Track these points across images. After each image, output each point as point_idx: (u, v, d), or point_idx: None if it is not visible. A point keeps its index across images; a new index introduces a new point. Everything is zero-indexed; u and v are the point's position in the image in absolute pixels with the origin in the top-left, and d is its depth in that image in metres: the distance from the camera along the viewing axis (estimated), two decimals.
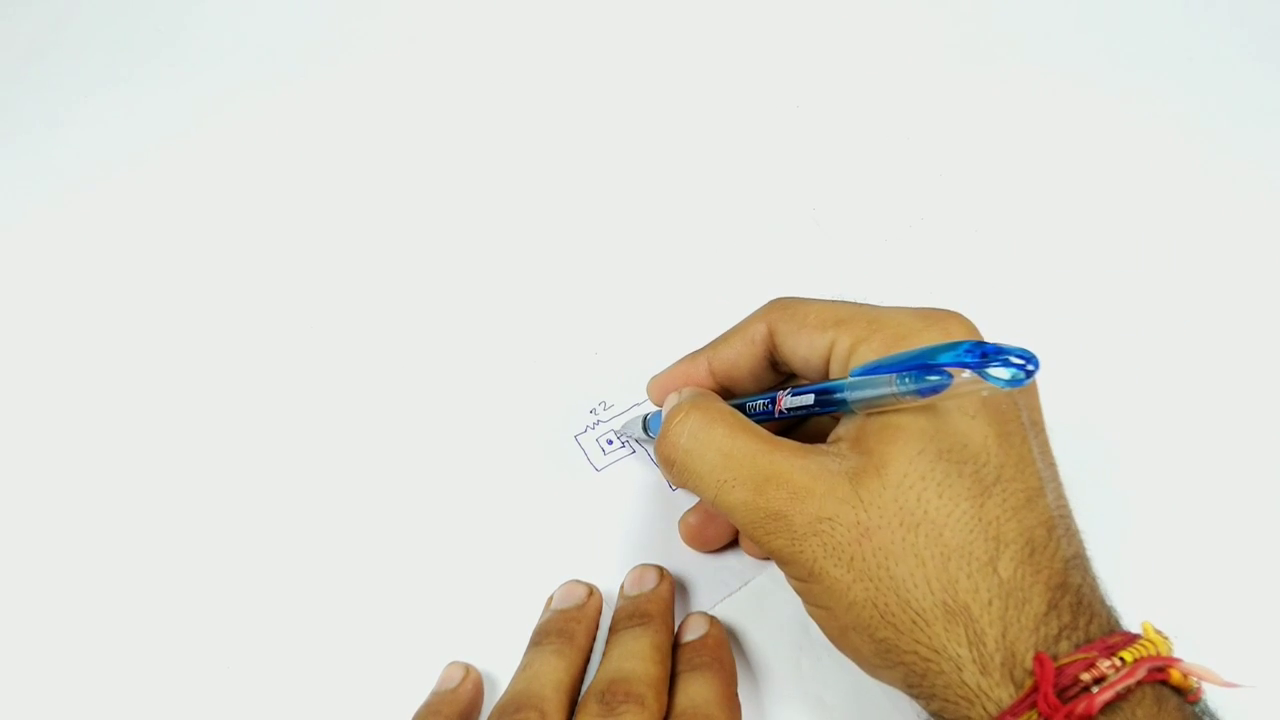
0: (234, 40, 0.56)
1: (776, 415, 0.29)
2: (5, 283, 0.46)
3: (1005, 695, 0.23)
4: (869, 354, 0.26)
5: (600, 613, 0.33)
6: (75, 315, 0.44)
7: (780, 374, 0.31)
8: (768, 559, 0.34)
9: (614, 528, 0.36)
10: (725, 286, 0.43)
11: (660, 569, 0.34)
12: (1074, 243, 0.44)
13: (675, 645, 0.32)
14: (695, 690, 0.29)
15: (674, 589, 0.33)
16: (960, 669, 0.23)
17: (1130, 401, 0.38)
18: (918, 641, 0.24)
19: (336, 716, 0.32)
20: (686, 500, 0.36)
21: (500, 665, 0.32)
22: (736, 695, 0.30)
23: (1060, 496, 0.26)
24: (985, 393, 0.22)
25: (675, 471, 0.29)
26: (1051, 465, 0.26)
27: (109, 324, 0.44)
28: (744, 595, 0.34)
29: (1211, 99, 0.49)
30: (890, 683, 0.26)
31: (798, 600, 0.33)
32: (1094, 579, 0.25)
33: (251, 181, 0.49)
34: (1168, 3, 0.54)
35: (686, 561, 0.35)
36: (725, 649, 0.32)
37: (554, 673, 0.30)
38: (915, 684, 0.24)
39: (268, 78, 0.54)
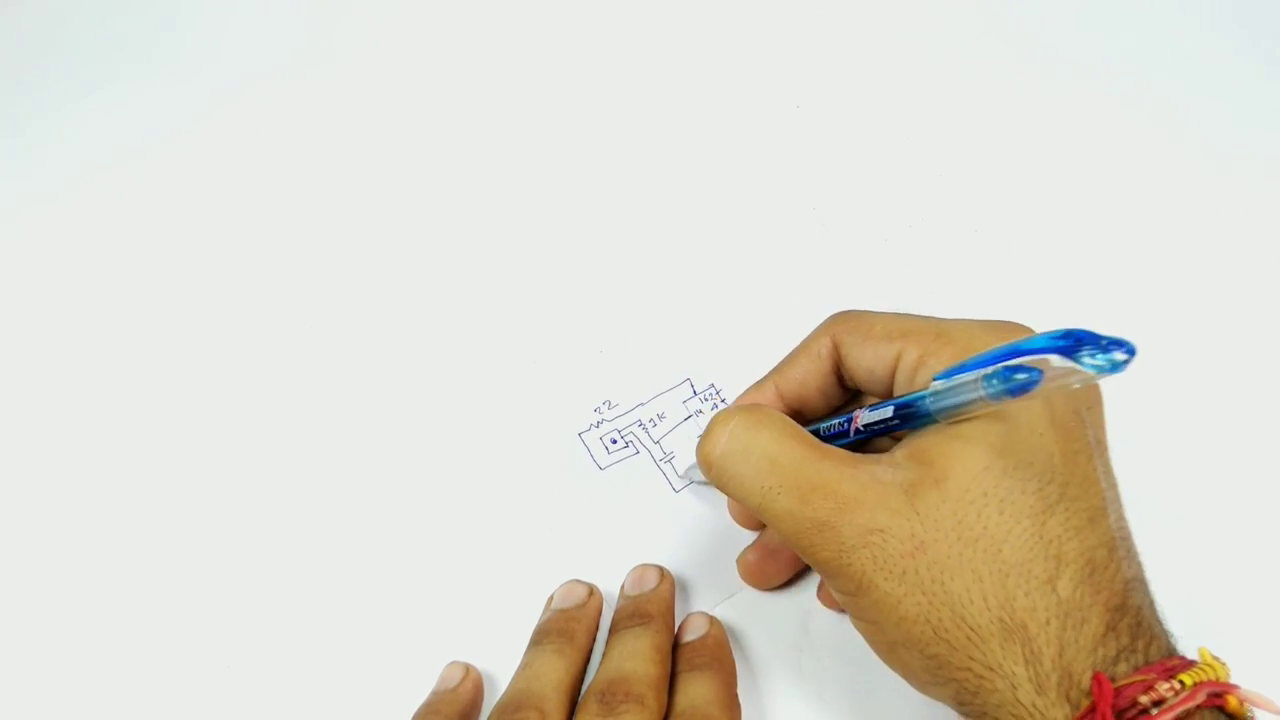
0: (233, 39, 0.56)
1: (853, 434, 0.28)
2: (3, 282, 0.46)
3: (1061, 715, 0.22)
4: (937, 367, 0.26)
5: (600, 613, 0.33)
6: (74, 314, 0.44)
7: (849, 390, 0.31)
8: (779, 586, 0.34)
9: (616, 527, 0.36)
10: (726, 286, 0.43)
11: (661, 569, 0.34)
12: (1074, 243, 0.44)
13: (675, 645, 0.32)
14: (695, 690, 0.29)
15: (674, 589, 0.33)
16: (1015, 687, 0.23)
17: (1132, 402, 0.38)
18: (971, 658, 0.23)
19: (337, 716, 0.32)
20: (690, 503, 0.36)
21: (500, 665, 0.32)
22: (736, 695, 0.30)
23: (1121, 518, 0.25)
24: (1078, 383, 0.21)
25: (715, 474, 0.28)
26: (1114, 486, 0.26)
27: (108, 323, 0.44)
28: (745, 595, 0.34)
29: (1212, 99, 0.49)
30: (940, 699, 0.25)
31: (798, 600, 0.33)
32: (1153, 602, 0.24)
33: (251, 180, 0.49)
34: (1168, 3, 0.53)
35: (687, 562, 0.35)
36: (725, 649, 0.31)
37: (554, 672, 0.30)
38: (967, 701, 0.24)
39: (267, 76, 0.54)
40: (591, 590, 0.33)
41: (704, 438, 0.28)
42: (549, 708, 0.28)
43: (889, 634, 0.25)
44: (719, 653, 0.31)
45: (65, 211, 0.48)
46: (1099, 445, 0.26)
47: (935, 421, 0.25)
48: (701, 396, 0.39)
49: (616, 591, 0.34)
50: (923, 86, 0.51)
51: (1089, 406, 0.26)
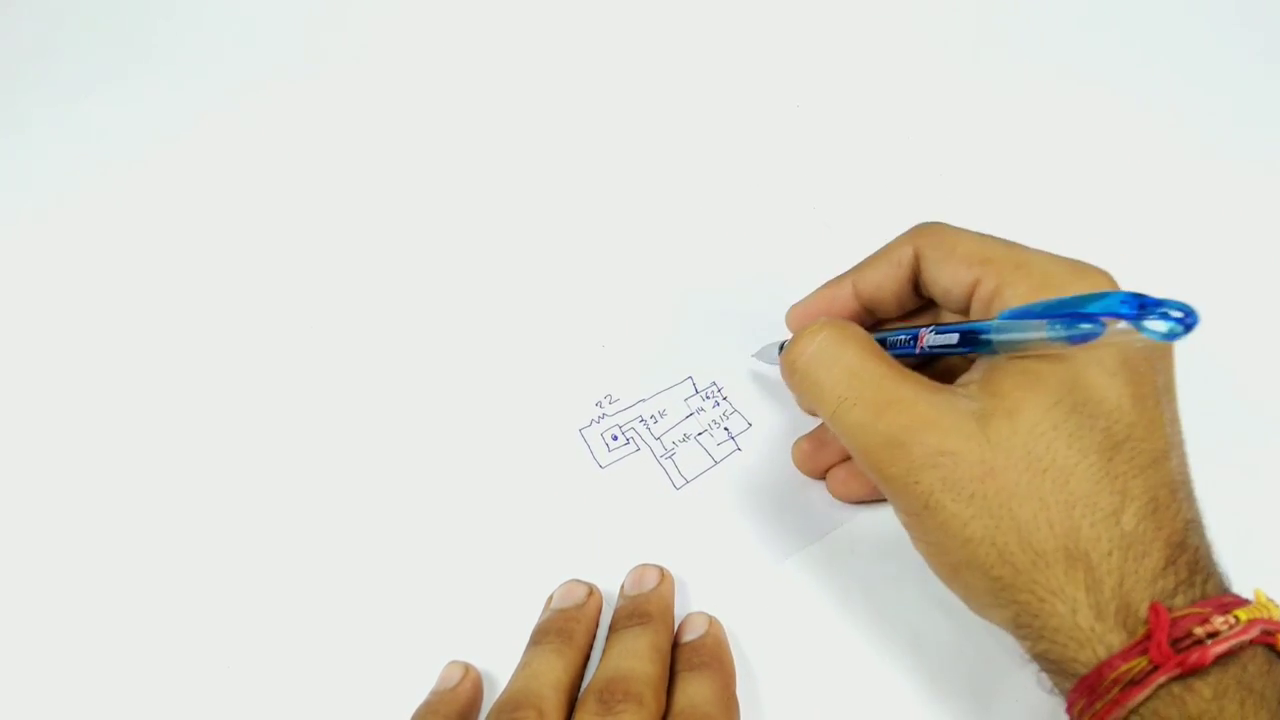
0: (233, 40, 0.56)
1: (918, 351, 0.29)
2: (3, 281, 0.46)
3: (1117, 640, 0.23)
4: (1013, 298, 0.27)
5: (600, 612, 0.33)
6: (73, 314, 0.44)
7: (923, 298, 0.32)
8: (861, 500, 0.35)
9: (616, 526, 0.36)
10: (727, 284, 0.43)
11: (661, 569, 0.33)
12: (1075, 243, 0.42)
13: (675, 645, 0.32)
14: (694, 690, 0.29)
15: (674, 589, 0.33)
16: (1075, 611, 0.24)
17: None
18: (1035, 581, 0.24)
19: (336, 715, 0.32)
20: (693, 503, 0.36)
21: (500, 664, 0.32)
22: (735, 695, 0.30)
23: (1183, 462, 0.26)
24: (1138, 344, 0.22)
25: (797, 379, 0.29)
26: (1179, 432, 0.26)
27: (107, 324, 0.44)
28: (749, 593, 0.34)
29: (1216, 98, 0.49)
30: (998, 622, 0.26)
31: (799, 598, 0.33)
32: (1210, 545, 0.25)
33: (252, 178, 0.49)
34: (1168, 4, 0.54)
35: (687, 560, 0.34)
36: (724, 649, 0.31)
37: (552, 672, 0.30)
38: (1025, 624, 0.25)
39: (268, 76, 0.54)
40: (591, 590, 0.33)
41: (792, 344, 0.29)
42: (547, 707, 0.28)
43: (953, 555, 0.26)
44: (718, 652, 0.31)
45: (65, 211, 0.48)
46: (1167, 391, 0.26)
47: (996, 353, 0.26)
48: (703, 395, 0.39)
49: (616, 591, 0.34)
50: (923, 86, 0.51)
51: (1161, 354, 0.26)
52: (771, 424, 0.38)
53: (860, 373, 0.27)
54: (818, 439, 0.35)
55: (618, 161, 0.48)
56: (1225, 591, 0.24)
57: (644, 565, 0.34)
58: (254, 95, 0.53)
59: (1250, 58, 0.51)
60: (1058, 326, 0.23)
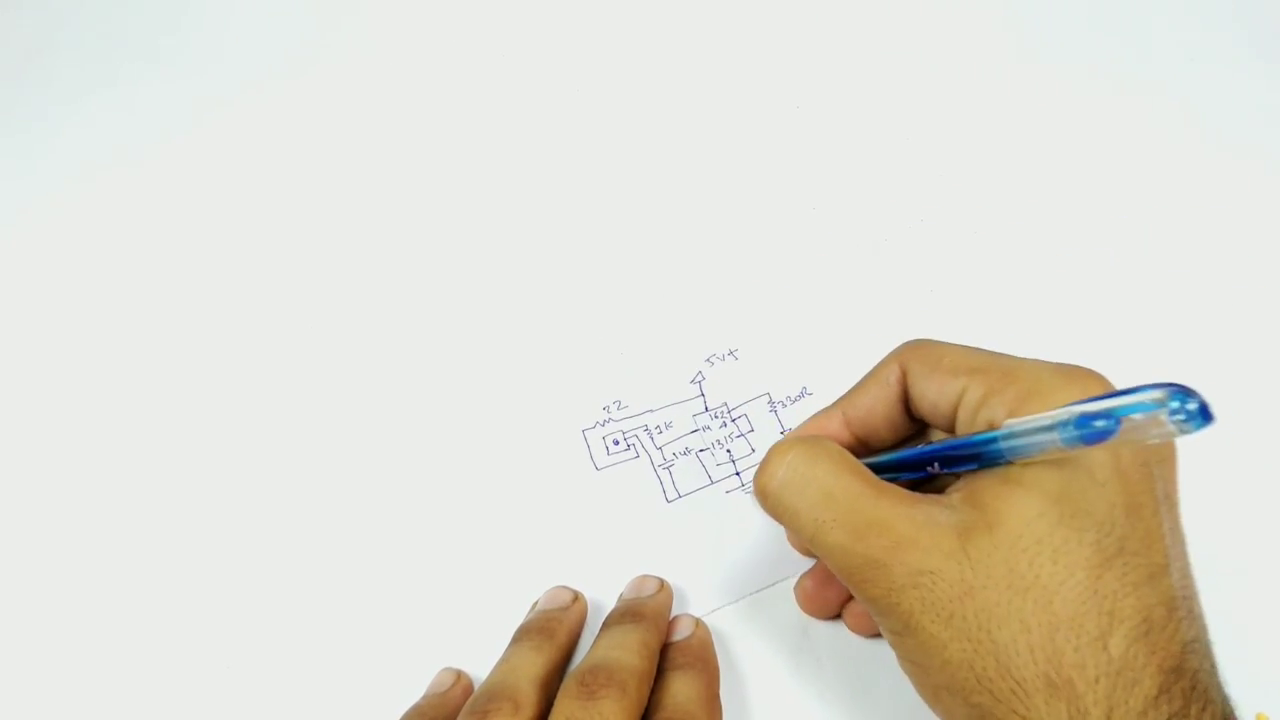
0: (235, 39, 0.55)
1: (928, 473, 0.27)
2: (6, 280, 0.45)
3: None
4: (1000, 407, 0.25)
5: (584, 618, 0.33)
6: (74, 314, 0.44)
7: (916, 422, 0.30)
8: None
9: (605, 531, 0.36)
10: (727, 287, 0.43)
11: (661, 580, 0.34)
12: (1074, 244, 0.44)
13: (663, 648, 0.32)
14: (677, 688, 0.29)
15: (671, 600, 0.34)
16: None
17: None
18: (1014, 712, 0.23)
19: (335, 717, 0.33)
20: (683, 512, 0.36)
21: (487, 667, 0.32)
22: (718, 696, 0.31)
23: (1186, 576, 0.24)
24: (1156, 439, 0.20)
25: (770, 504, 0.28)
26: (1181, 543, 0.25)
27: (107, 324, 0.43)
28: (737, 604, 0.34)
29: (1213, 99, 0.49)
30: None
31: (787, 605, 0.33)
32: (1214, 664, 0.23)
33: (255, 178, 0.48)
34: (1169, 3, 0.53)
35: (677, 571, 0.35)
36: (709, 650, 0.32)
37: (531, 667, 0.30)
38: None
39: (269, 76, 0.53)
40: (576, 596, 0.33)
41: (761, 468, 0.28)
42: (523, 700, 0.28)
43: (933, 677, 0.24)
44: (703, 653, 0.31)
45: (68, 210, 0.48)
46: (1168, 500, 0.25)
47: (1009, 463, 0.25)
48: (713, 413, 0.39)
49: (603, 598, 0.34)
50: (922, 87, 0.51)
51: (1160, 460, 0.25)
52: None
53: (835, 493, 0.26)
54: (820, 575, 0.33)
55: (618, 163, 0.48)
56: (1227, 719, 0.23)
57: (645, 575, 0.34)
58: (258, 95, 0.52)
59: (1253, 58, 0.51)
60: (1070, 428, 0.21)
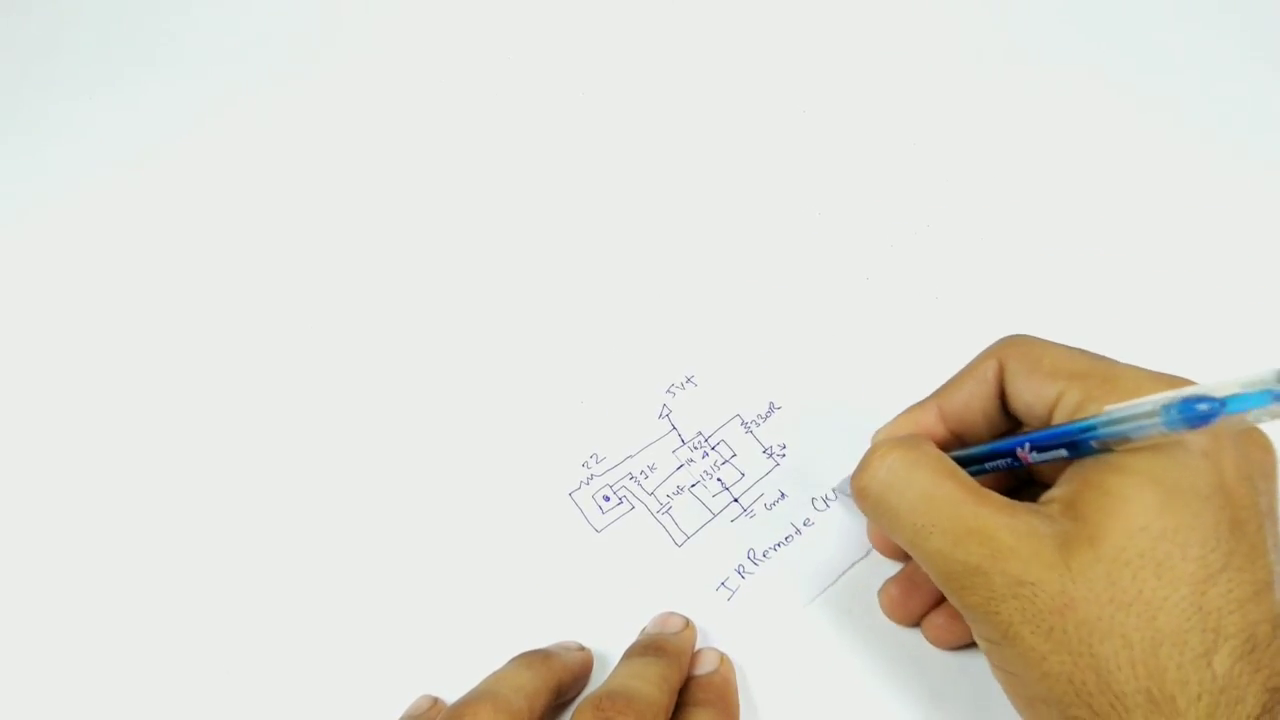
0: (237, 40, 0.56)
1: (1017, 457, 0.27)
2: (5, 282, 0.46)
3: None
4: (1096, 412, 0.25)
5: (589, 669, 0.33)
6: (76, 315, 0.44)
7: (1012, 419, 0.30)
8: (959, 647, 0.33)
9: (617, 590, 0.35)
10: (728, 292, 0.42)
11: (686, 619, 0.33)
12: (1082, 250, 0.44)
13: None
14: None
15: (695, 640, 0.33)
16: None
17: None
18: None
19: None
20: (691, 562, 0.35)
21: None
22: None
23: None
24: (1265, 418, 0.21)
25: (869, 506, 0.28)
26: None
27: (108, 325, 0.44)
28: (755, 642, 0.33)
29: (1221, 104, 0.49)
30: None
31: (810, 634, 0.33)
32: None
33: (256, 182, 0.49)
34: (1174, 9, 0.54)
35: (692, 616, 0.33)
36: (731, 688, 0.31)
37: (517, 678, 0.29)
38: None
39: (271, 79, 0.53)
40: (581, 647, 0.33)
41: (861, 468, 0.28)
42: (502, 704, 0.27)
43: (1029, 688, 0.24)
44: (724, 690, 0.31)
45: (70, 211, 0.48)
46: (1271, 515, 0.25)
47: (1096, 451, 0.25)
48: (690, 445, 0.38)
49: (609, 653, 0.33)
50: (930, 92, 0.51)
51: (1264, 474, 0.25)
52: (761, 471, 0.37)
53: (935, 497, 0.26)
54: (907, 582, 0.33)
55: (617, 164, 0.48)
56: None
57: (671, 612, 0.33)
58: (259, 97, 0.53)
59: (1256, 65, 0.51)
60: (1173, 411, 0.21)
